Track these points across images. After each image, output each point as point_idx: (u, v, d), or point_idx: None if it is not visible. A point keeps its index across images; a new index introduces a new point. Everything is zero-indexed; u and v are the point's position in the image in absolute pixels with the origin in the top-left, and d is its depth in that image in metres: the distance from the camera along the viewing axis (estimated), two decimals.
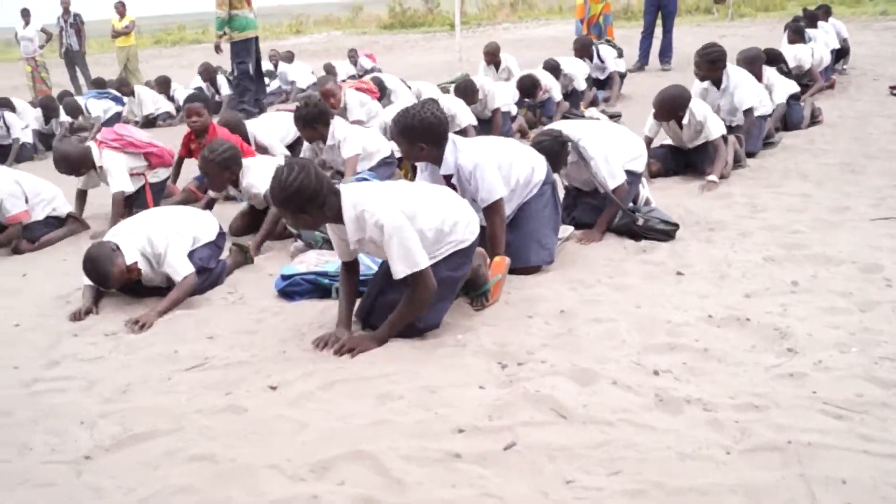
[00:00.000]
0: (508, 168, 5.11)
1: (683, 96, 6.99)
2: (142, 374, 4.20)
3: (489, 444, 3.19)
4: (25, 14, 19.19)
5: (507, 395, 3.57)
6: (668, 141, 7.62)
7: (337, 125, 7.18)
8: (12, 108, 12.88)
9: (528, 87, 10.15)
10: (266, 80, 15.97)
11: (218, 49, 13.19)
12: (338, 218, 4.12)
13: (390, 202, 4.11)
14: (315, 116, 6.98)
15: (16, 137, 12.02)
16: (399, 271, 4.05)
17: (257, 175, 6.30)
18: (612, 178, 5.62)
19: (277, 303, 5.13)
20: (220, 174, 6.19)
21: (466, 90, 9.29)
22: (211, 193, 6.84)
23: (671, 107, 7.03)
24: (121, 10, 19.28)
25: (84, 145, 7.34)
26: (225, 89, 15.09)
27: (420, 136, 4.82)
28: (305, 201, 3.97)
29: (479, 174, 4.85)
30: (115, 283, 5.12)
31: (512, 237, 5.10)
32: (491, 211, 4.92)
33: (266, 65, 15.62)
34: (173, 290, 5.18)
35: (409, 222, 4.06)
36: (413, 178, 7.29)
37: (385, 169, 7.26)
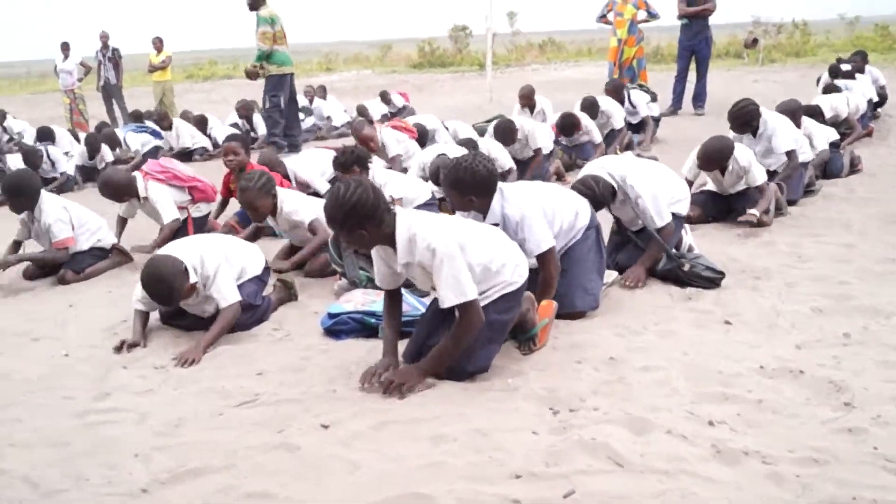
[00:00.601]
0: (553, 214, 5.12)
1: (728, 147, 6.98)
2: (193, 409, 4.21)
3: (547, 491, 3.17)
4: (65, 47, 19.50)
5: (561, 441, 3.55)
6: (708, 186, 7.62)
7: (376, 170, 7.24)
8: (53, 140, 13.05)
9: (568, 126, 10.13)
10: (301, 115, 16.10)
11: (253, 76, 13.24)
12: (390, 238, 4.12)
13: (443, 229, 4.12)
14: (353, 162, 7.05)
15: (62, 171, 12.21)
16: (447, 299, 4.04)
17: (297, 202, 6.42)
18: (658, 218, 5.62)
19: (323, 341, 5.15)
20: (260, 201, 6.26)
21: (505, 132, 9.29)
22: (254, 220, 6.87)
23: (717, 158, 7.03)
24: (158, 45, 19.55)
25: (130, 174, 7.49)
26: (262, 128, 15.19)
27: (471, 190, 4.83)
28: (364, 216, 3.98)
29: (527, 225, 4.84)
30: (178, 300, 5.13)
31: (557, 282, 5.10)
32: (543, 260, 4.91)
33: (301, 100, 15.70)
34: (216, 322, 5.19)
35: (460, 251, 4.07)
36: None
37: (427, 209, 7.27)
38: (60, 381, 4.77)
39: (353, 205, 3.96)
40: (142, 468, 3.62)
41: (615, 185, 5.66)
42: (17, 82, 51.92)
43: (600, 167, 5.82)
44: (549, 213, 5.08)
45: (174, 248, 5.27)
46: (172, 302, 5.15)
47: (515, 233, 4.83)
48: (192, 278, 5.10)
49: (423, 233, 4.05)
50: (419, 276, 4.26)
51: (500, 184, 4.98)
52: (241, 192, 6.29)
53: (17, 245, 7.14)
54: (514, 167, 8.95)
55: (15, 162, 12.60)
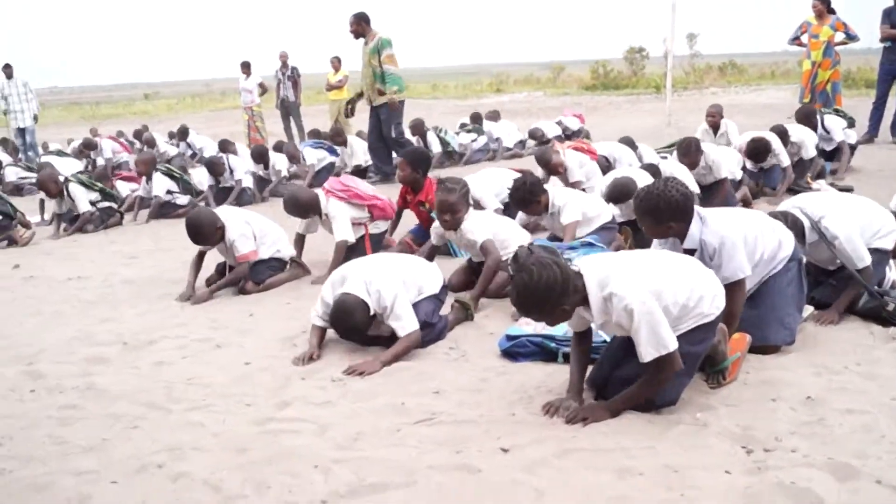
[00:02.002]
0: (754, 242, 4.89)
1: None
2: (371, 424, 4.21)
3: None
4: (246, 66, 20.23)
5: (757, 483, 3.37)
6: None
7: (556, 193, 7.16)
8: (234, 152, 13.48)
9: (759, 150, 9.57)
10: (473, 136, 16.17)
11: (393, 107, 12.84)
12: (584, 300, 4.01)
13: (637, 281, 3.97)
14: (529, 193, 7.01)
15: (238, 179, 12.58)
16: (647, 355, 3.90)
17: (475, 221, 6.38)
18: (858, 260, 5.30)
19: (501, 363, 5.08)
20: (455, 211, 6.31)
21: (690, 148, 9.00)
22: (433, 236, 6.91)
23: None
24: (336, 64, 19.97)
25: (314, 191, 7.65)
26: (436, 146, 15.34)
27: (669, 216, 4.66)
28: (560, 294, 3.88)
29: (725, 252, 4.64)
30: (365, 333, 5.28)
31: (751, 313, 4.86)
32: (732, 289, 4.66)
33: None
34: (398, 343, 5.21)
35: (657, 303, 3.92)
36: (633, 245, 7.17)
37: (606, 234, 7.14)
38: (241, 389, 4.87)
39: (546, 287, 3.85)
40: (321, 480, 3.64)
41: (807, 224, 5.39)
42: (199, 99, 54.18)
43: (796, 204, 5.56)
44: (750, 241, 4.86)
45: (353, 274, 5.37)
46: (357, 337, 5.40)
47: (711, 258, 4.66)
48: (371, 310, 5.21)
49: (619, 292, 3.89)
50: (615, 331, 4.14)
51: (698, 208, 4.82)
52: (440, 198, 6.33)
53: (201, 257, 7.39)
54: (699, 192, 8.66)
55: (199, 175, 13.05)
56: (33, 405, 4.79)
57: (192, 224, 6.95)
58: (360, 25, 12.61)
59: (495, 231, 6.39)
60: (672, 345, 3.89)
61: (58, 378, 5.21)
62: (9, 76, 18.55)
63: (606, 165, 10.12)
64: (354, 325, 5.20)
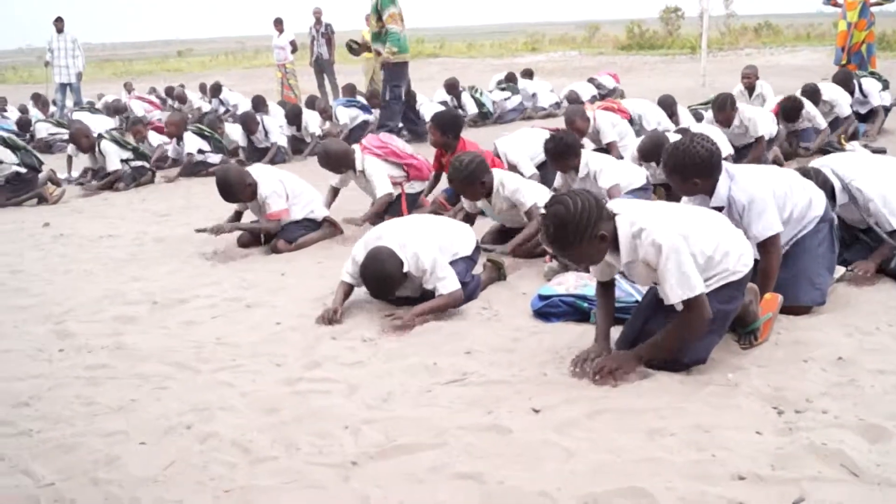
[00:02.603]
0: (784, 198, 4.83)
1: None
2: (401, 384, 4.20)
3: (774, 496, 2.97)
4: (278, 23, 20.25)
5: (788, 444, 3.33)
6: None
7: (591, 157, 7.08)
8: (266, 109, 13.45)
9: (792, 110, 9.58)
10: (508, 94, 16.06)
11: (385, 66, 12.58)
12: (614, 241, 3.98)
13: (666, 221, 3.95)
14: (565, 150, 6.91)
15: (274, 142, 12.56)
16: (674, 296, 3.87)
17: (519, 182, 6.42)
18: (894, 218, 5.23)
19: (533, 322, 5.04)
20: (471, 187, 6.24)
21: (725, 105, 9.00)
22: (465, 205, 6.85)
23: None
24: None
25: (347, 146, 7.68)
26: (471, 107, 15.27)
27: (694, 172, 4.62)
28: (596, 220, 3.84)
29: (755, 209, 4.60)
30: (394, 295, 5.26)
31: (782, 274, 4.78)
32: (766, 247, 4.65)
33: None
34: (438, 298, 5.19)
35: (685, 243, 3.89)
36: None
37: (642, 194, 7.06)
38: (272, 348, 4.87)
39: (581, 215, 3.81)
40: (351, 440, 3.63)
41: (838, 185, 5.30)
42: (233, 57, 54.25)
43: (826, 164, 5.47)
44: (779, 197, 4.80)
45: (389, 235, 5.31)
46: (388, 296, 5.35)
47: (741, 216, 4.60)
48: (405, 268, 5.14)
49: (648, 226, 3.89)
50: (642, 273, 4.08)
51: (727, 165, 4.77)
52: (450, 178, 6.31)
53: (238, 215, 7.39)
54: (733, 153, 8.59)
55: (233, 131, 13.07)
56: (61, 365, 4.80)
57: (221, 180, 6.96)
58: None
59: (539, 196, 6.34)
60: (699, 287, 3.87)
61: (86, 337, 5.23)
62: (59, 30, 18.50)
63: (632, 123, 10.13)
64: (386, 276, 5.05)
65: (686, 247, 3.88)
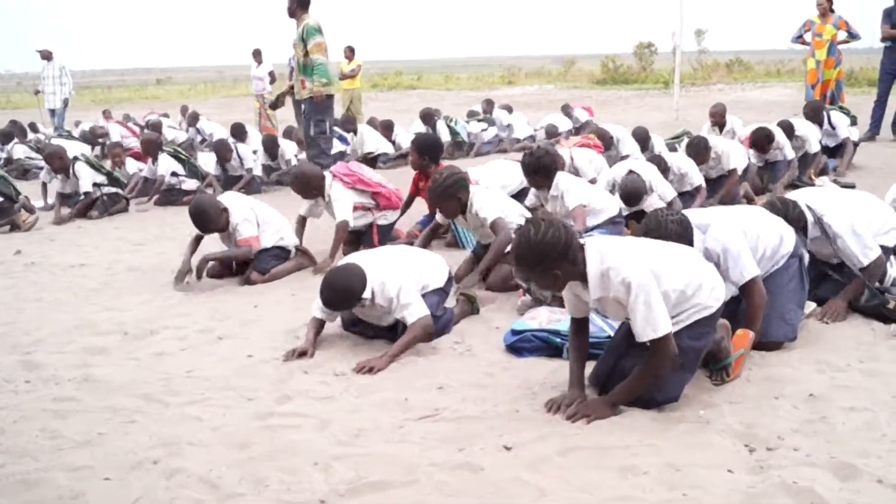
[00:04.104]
0: (756, 239, 4.88)
1: None
2: (373, 420, 4.17)
3: None
4: (257, 54, 20.36)
5: (760, 482, 3.33)
6: None
7: (560, 177, 7.12)
8: (244, 138, 13.45)
9: (762, 139, 9.71)
10: (483, 125, 16.16)
11: (317, 99, 11.18)
12: (582, 275, 3.98)
13: (637, 259, 3.95)
14: (542, 168, 6.97)
15: (248, 168, 12.49)
16: (643, 334, 3.87)
17: (484, 199, 6.41)
18: (864, 256, 5.26)
19: (506, 357, 5.03)
20: (447, 201, 6.34)
21: (699, 149, 9.03)
22: (437, 218, 6.93)
23: None
24: (349, 54, 20.15)
25: (321, 171, 7.67)
26: (444, 135, 15.30)
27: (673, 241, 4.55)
28: (557, 257, 3.85)
29: (730, 256, 4.67)
30: (355, 302, 5.14)
31: None
32: (747, 290, 4.71)
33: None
34: (406, 334, 5.14)
35: (655, 282, 3.89)
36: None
37: (613, 227, 7.08)
38: (243, 381, 4.81)
39: (548, 244, 3.83)
40: (321, 477, 3.59)
41: (810, 219, 5.35)
42: (211, 86, 54.25)
43: (799, 198, 5.52)
44: (751, 238, 4.85)
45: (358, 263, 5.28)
46: (339, 309, 5.31)
47: (717, 264, 4.62)
48: (368, 295, 5.10)
49: (618, 265, 3.89)
50: (612, 309, 4.09)
51: (697, 217, 4.87)
52: (429, 190, 6.39)
53: (197, 241, 7.34)
54: (704, 185, 8.68)
55: (206, 160, 13.02)
56: (28, 397, 4.72)
57: (196, 210, 6.92)
58: (291, 6, 10.97)
59: (504, 210, 6.40)
60: (665, 327, 3.87)
61: (55, 368, 5.15)
62: (47, 59, 18.89)
63: (609, 139, 10.65)
64: (345, 287, 5.04)
65: (655, 285, 3.88)
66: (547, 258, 3.85)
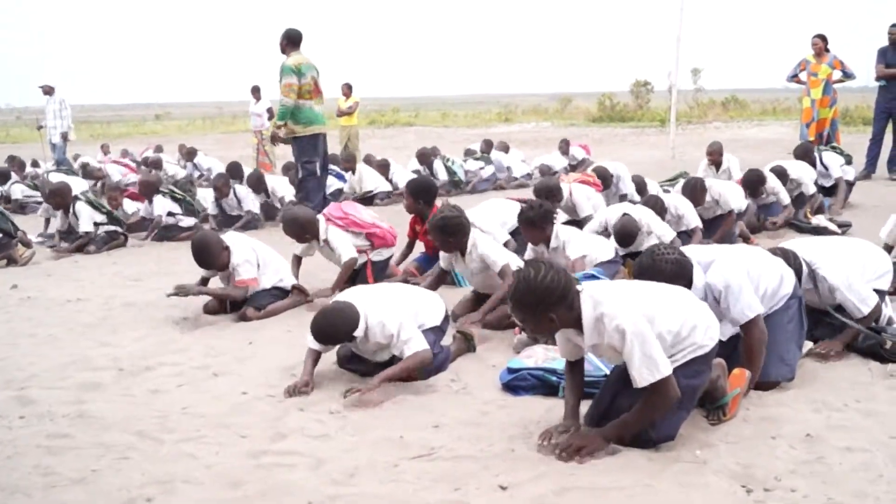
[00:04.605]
0: (758, 278, 4.89)
1: None
2: (368, 458, 4.14)
3: None
4: (255, 91, 20.45)
5: None
6: None
7: (560, 228, 7.17)
8: (241, 177, 13.43)
9: (753, 181, 9.77)
10: (481, 164, 16.18)
11: (276, 140, 11.95)
12: (576, 321, 3.98)
13: (630, 304, 3.95)
14: (541, 218, 6.97)
15: (248, 210, 12.45)
16: (641, 380, 3.87)
17: (492, 244, 6.48)
18: (862, 305, 5.29)
19: (502, 396, 5.02)
20: (448, 238, 6.37)
21: (695, 191, 9.06)
22: (441, 262, 6.91)
23: None
24: (346, 91, 20.26)
25: (314, 213, 7.69)
26: (441, 174, 15.37)
27: (668, 280, 4.55)
28: (556, 301, 3.86)
29: (732, 293, 4.66)
30: (346, 338, 5.16)
31: None
32: (748, 329, 4.71)
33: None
34: (402, 361, 5.13)
35: (650, 327, 3.89)
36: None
37: (610, 266, 7.09)
38: (237, 419, 4.79)
39: (546, 288, 3.85)
40: None
41: (805, 270, 5.37)
42: (210, 121, 54.45)
43: (794, 248, 5.55)
44: (753, 277, 4.86)
45: (356, 301, 5.27)
46: (325, 344, 5.30)
47: (718, 301, 4.64)
48: (360, 332, 5.12)
49: (611, 312, 3.90)
50: (608, 354, 4.10)
51: (699, 255, 4.86)
52: (430, 226, 6.41)
53: (204, 282, 7.32)
54: (701, 226, 8.70)
55: (206, 195, 13.02)
56: (21, 433, 4.70)
57: (199, 245, 6.94)
58: (282, 43, 11.36)
59: (510, 257, 6.45)
60: (665, 369, 3.86)
61: (49, 404, 5.12)
62: (48, 93, 18.77)
63: (609, 178, 10.67)
64: (333, 325, 5.06)
65: (650, 329, 3.89)
66: (545, 301, 3.86)
